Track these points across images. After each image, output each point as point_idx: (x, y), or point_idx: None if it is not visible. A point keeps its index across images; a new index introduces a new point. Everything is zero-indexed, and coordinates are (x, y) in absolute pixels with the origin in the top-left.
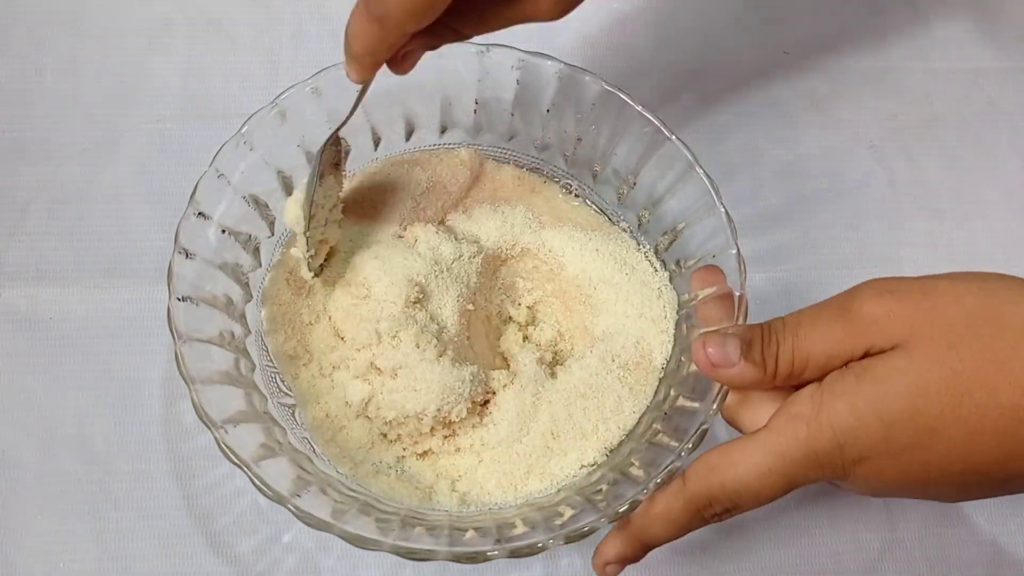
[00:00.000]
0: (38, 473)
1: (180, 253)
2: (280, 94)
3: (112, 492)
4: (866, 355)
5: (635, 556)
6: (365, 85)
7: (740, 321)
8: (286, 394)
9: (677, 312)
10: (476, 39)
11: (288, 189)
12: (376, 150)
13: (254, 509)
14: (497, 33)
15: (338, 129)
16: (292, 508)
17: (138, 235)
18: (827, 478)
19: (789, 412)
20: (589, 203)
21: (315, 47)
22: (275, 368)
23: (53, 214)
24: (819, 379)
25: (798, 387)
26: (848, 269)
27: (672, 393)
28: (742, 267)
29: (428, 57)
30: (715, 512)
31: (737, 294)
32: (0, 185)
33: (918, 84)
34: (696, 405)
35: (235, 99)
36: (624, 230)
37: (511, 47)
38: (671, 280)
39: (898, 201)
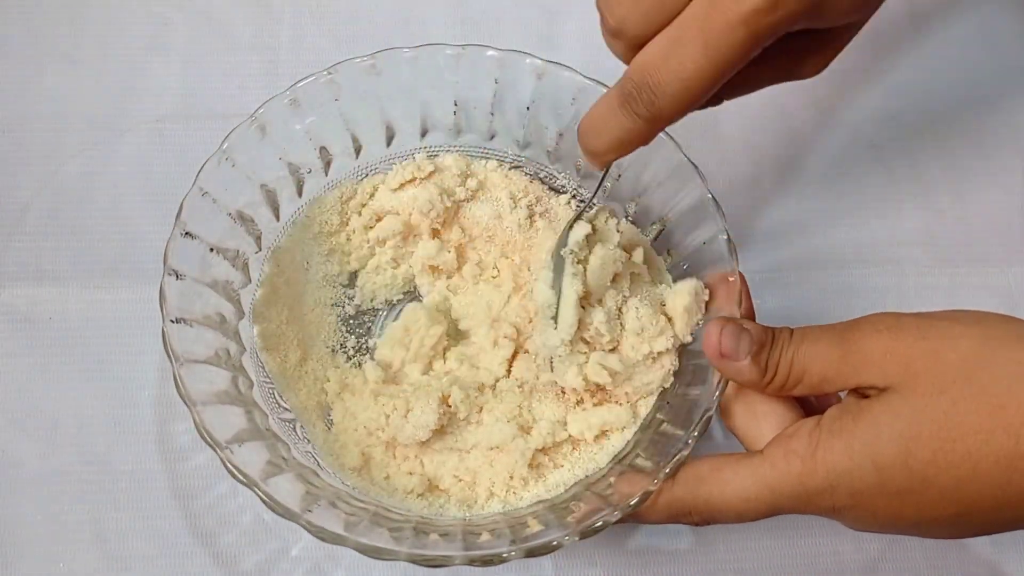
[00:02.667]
0: (38, 473)
1: (170, 275)
2: (258, 108)
3: (112, 492)
4: (859, 388)
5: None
6: (607, 169)
7: (740, 303)
8: (285, 409)
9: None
10: (444, 42)
11: (272, 203)
12: (357, 158)
13: (258, 522)
14: (475, 31)
15: (581, 212)
16: (305, 524)
17: (138, 235)
18: (813, 513)
19: (787, 446)
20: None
21: (314, 47)
22: (273, 384)
23: (53, 214)
24: (808, 396)
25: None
26: (848, 269)
27: (673, 382)
28: (733, 252)
29: (405, 59)
30: (693, 520)
31: (730, 279)
32: (0, 185)
33: (918, 84)
34: (698, 393)
35: (235, 99)
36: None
37: (487, 46)
38: (667, 270)
39: (898, 201)
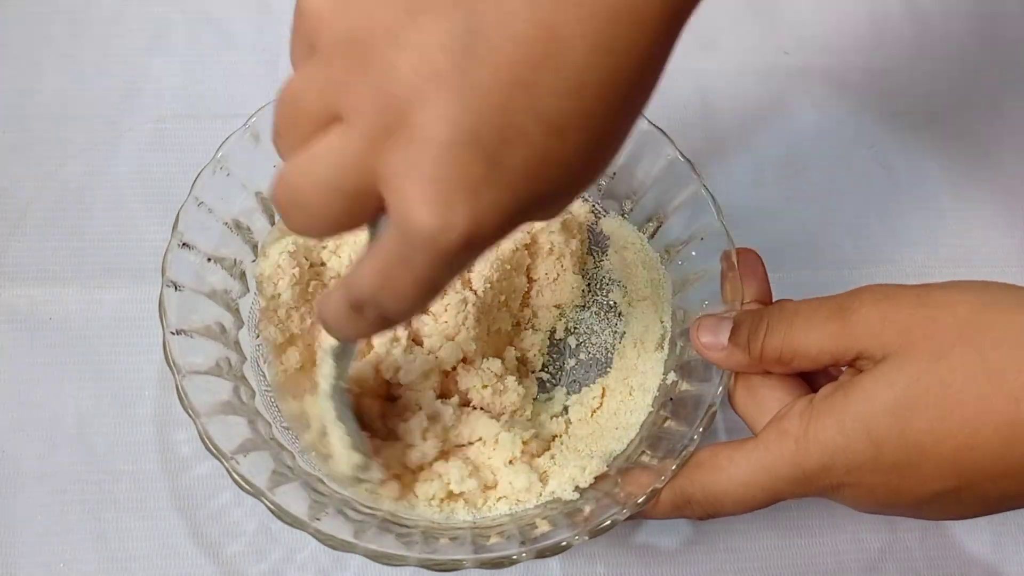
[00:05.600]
0: (38, 473)
1: (169, 286)
2: (251, 116)
3: (112, 492)
4: (858, 358)
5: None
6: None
7: (736, 304)
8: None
9: (672, 296)
10: None
11: (267, 210)
12: None
13: (263, 530)
14: None
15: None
16: (313, 532)
17: (138, 235)
18: (814, 495)
19: (779, 427)
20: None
21: None
22: (275, 393)
23: (53, 214)
24: (810, 371)
25: (801, 375)
26: (848, 269)
27: (675, 379)
28: (732, 248)
29: None
30: (694, 512)
31: (730, 275)
32: (0, 185)
33: (918, 84)
34: (701, 388)
35: (235, 99)
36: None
37: None
38: (662, 265)
39: (898, 201)
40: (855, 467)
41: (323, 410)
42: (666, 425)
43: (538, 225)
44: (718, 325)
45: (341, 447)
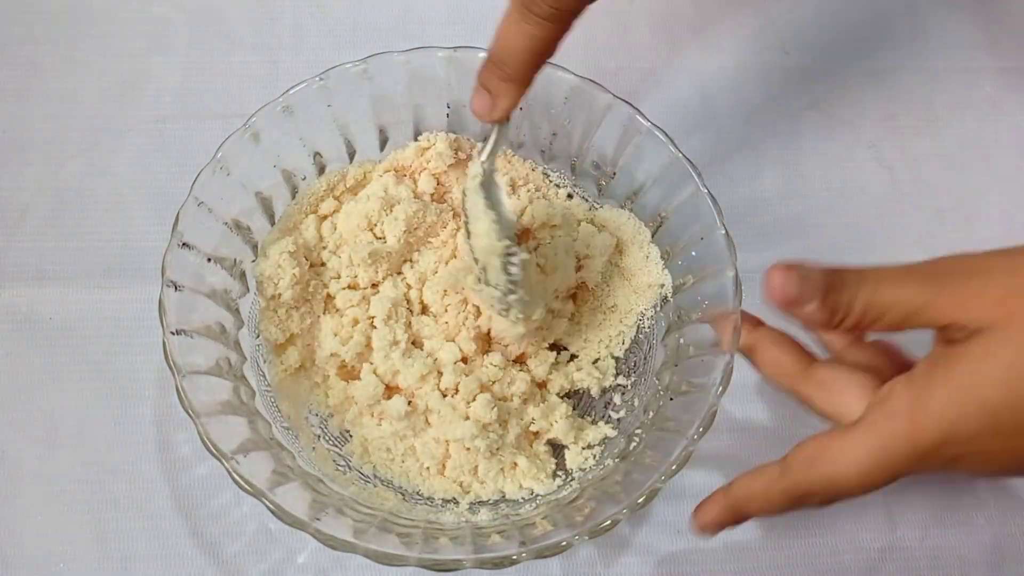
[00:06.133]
0: (38, 473)
1: (169, 286)
2: (251, 116)
3: (112, 492)
4: (948, 327)
5: (732, 523)
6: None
7: (736, 304)
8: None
9: (672, 296)
10: (443, 42)
11: (267, 210)
12: (351, 163)
13: (263, 531)
14: (475, 32)
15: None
16: (314, 532)
17: (138, 235)
18: (933, 470)
19: (884, 409)
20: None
21: (314, 47)
22: (275, 393)
23: (53, 214)
24: (889, 332)
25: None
26: None
27: (676, 378)
28: (731, 248)
29: (397, 63)
30: (814, 503)
31: (729, 275)
32: (0, 185)
33: (918, 84)
34: (702, 388)
35: (235, 99)
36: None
37: (479, 48)
38: (663, 263)
39: (898, 201)
40: (972, 437)
41: (471, 205)
42: (667, 425)
43: (537, 221)
44: (803, 280)
45: (488, 236)
